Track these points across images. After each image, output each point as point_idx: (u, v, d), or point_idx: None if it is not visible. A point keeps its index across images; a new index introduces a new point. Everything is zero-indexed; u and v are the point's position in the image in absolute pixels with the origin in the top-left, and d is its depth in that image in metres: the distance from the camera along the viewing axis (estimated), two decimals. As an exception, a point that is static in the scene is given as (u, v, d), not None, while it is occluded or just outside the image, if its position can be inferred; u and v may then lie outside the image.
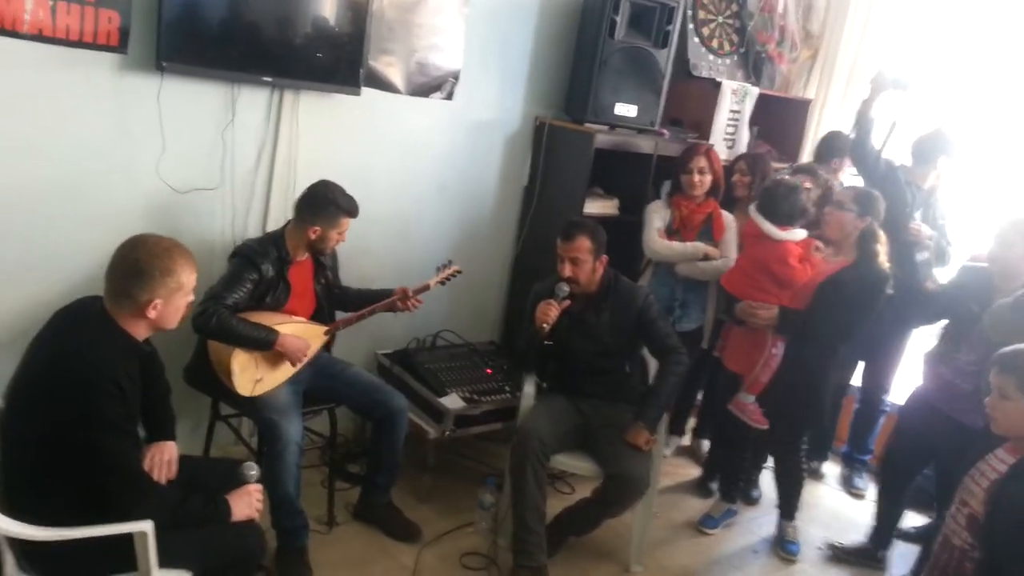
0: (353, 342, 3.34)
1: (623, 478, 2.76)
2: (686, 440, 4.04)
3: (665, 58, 3.68)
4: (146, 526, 1.86)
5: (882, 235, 2.96)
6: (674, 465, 3.80)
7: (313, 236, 2.75)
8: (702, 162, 3.38)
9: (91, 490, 1.87)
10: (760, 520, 3.49)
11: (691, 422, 4.06)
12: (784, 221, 3.06)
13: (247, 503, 2.09)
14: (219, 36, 2.76)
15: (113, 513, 1.86)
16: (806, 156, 4.29)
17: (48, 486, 1.88)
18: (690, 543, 3.28)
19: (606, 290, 2.99)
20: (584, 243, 2.89)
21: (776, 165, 4.09)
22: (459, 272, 3.11)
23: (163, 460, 2.14)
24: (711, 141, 3.90)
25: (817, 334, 2.99)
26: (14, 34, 2.47)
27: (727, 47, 4.22)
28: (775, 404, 3.14)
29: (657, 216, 3.47)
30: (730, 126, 4.03)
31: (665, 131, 3.79)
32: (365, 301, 2.98)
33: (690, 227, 3.43)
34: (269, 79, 2.91)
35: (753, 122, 4.12)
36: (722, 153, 3.96)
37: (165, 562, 1.92)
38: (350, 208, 2.77)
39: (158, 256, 1.94)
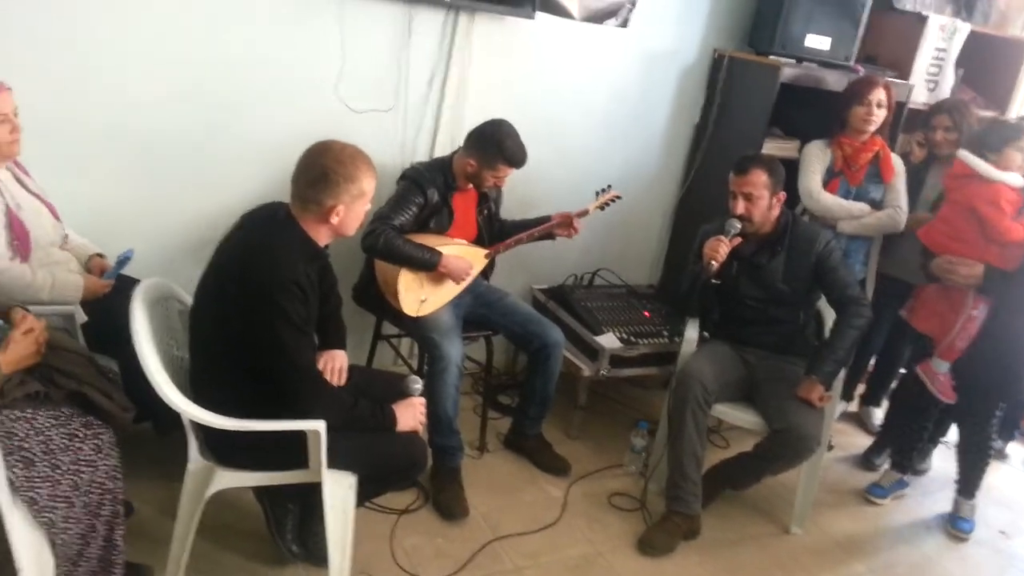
0: (511, 276, 3.32)
1: (792, 433, 2.58)
2: (853, 406, 3.77)
3: (866, -14, 3.34)
4: (319, 425, 1.90)
5: None
6: (839, 432, 3.55)
7: (469, 169, 2.72)
8: (881, 95, 3.03)
9: (269, 386, 1.92)
10: (935, 496, 3.21)
11: (860, 388, 3.78)
12: (998, 152, 2.70)
13: (411, 415, 2.11)
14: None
15: (289, 410, 1.92)
16: (1018, 106, 3.82)
17: (231, 380, 1.95)
18: (855, 511, 3.06)
19: (782, 231, 2.78)
20: (760, 177, 2.69)
21: (981, 114, 3.68)
22: (618, 197, 2.99)
23: (335, 367, 2.18)
24: (911, 82, 3.54)
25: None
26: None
27: (936, -23, 3.79)
28: (970, 374, 2.83)
29: (816, 160, 3.14)
30: (933, 67, 3.64)
31: (860, 68, 3.46)
32: (525, 230, 2.93)
33: (855, 168, 3.09)
34: (445, 0, 2.87)
35: (959, 64, 3.70)
36: (921, 96, 3.60)
37: (333, 463, 1.97)
38: (512, 157, 2.69)
39: (343, 163, 1.94)
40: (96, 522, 1.83)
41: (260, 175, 2.77)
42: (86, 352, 1.99)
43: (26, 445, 1.74)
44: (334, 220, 1.96)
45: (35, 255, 2.14)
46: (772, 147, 3.41)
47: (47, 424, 1.79)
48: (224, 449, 1.99)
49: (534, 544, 2.56)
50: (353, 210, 1.98)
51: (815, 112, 3.38)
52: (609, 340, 3.12)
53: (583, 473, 2.95)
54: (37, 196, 2.21)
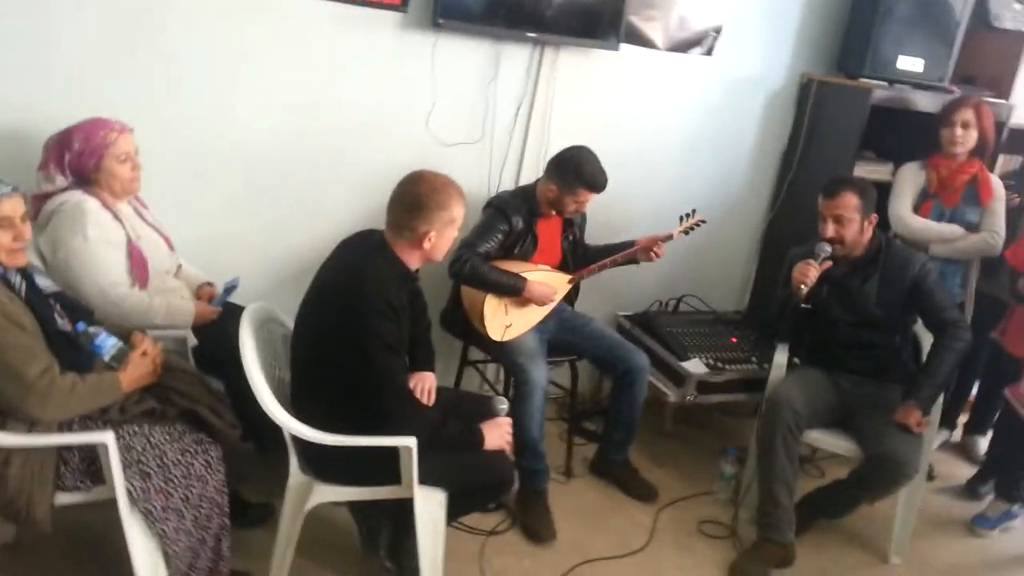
0: (595, 302, 3.34)
1: (888, 460, 2.51)
2: (957, 435, 3.61)
3: (960, 5, 3.26)
4: (410, 441, 1.97)
5: None
6: (941, 462, 3.40)
7: (551, 195, 2.77)
8: (967, 115, 2.95)
9: (364, 404, 2.01)
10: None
11: (963, 417, 3.62)
12: None
13: (499, 434, 2.16)
14: (489, -5, 2.86)
15: (382, 427, 2.00)
16: None
17: (328, 398, 2.05)
18: (959, 542, 2.94)
19: (875, 254, 2.72)
20: (850, 199, 2.64)
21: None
22: (703, 222, 2.98)
23: (425, 387, 2.26)
24: (1011, 101, 3.42)
25: None
26: (308, -6, 2.71)
27: (1036, -7, 3.66)
28: None
29: (909, 183, 3.08)
30: (1034, 82, 3.50)
31: (955, 88, 3.36)
32: (608, 255, 2.96)
33: (950, 190, 3.01)
34: (532, 35, 2.95)
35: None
36: (1025, 116, 3.46)
37: (424, 479, 2.04)
38: (592, 181, 2.73)
39: (436, 190, 2.04)
40: (205, 534, 1.95)
41: (358, 205, 2.91)
42: (197, 373, 2.13)
43: (143, 459, 1.88)
44: (426, 245, 2.05)
45: (152, 283, 2.31)
46: (864, 170, 3.35)
47: (162, 440, 1.93)
48: (322, 465, 2.09)
49: (622, 569, 2.56)
50: (444, 236, 2.07)
51: (910, 135, 3.32)
52: (695, 366, 3.11)
53: (671, 500, 2.93)
54: (154, 228, 2.40)
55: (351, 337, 1.97)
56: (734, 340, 3.36)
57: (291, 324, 2.18)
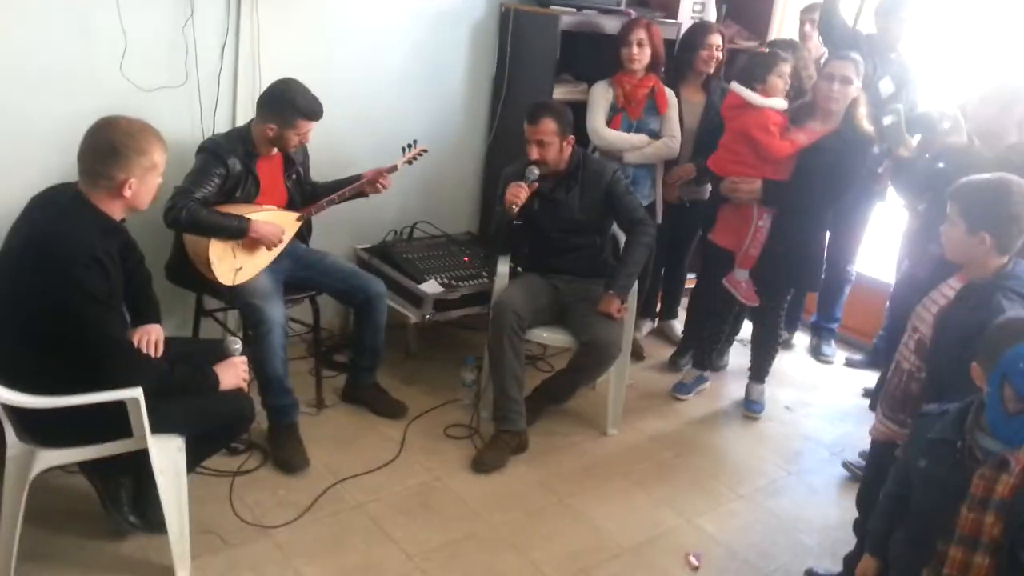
0: (332, 237, 3.41)
1: (595, 344, 2.89)
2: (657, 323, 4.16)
3: (628, -68, 3.64)
4: (136, 392, 1.97)
5: (864, 98, 3.02)
6: (648, 345, 3.94)
7: (270, 134, 2.76)
8: (640, 34, 3.35)
9: (82, 363, 1.97)
10: (731, 386, 3.66)
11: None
12: (763, 81, 3.09)
13: (233, 373, 2.21)
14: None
15: (105, 383, 1.97)
16: (775, 34, 4.28)
17: (39, 361, 1.97)
18: (664, 409, 3.45)
19: (575, 168, 3.05)
20: (549, 125, 2.93)
21: (744, 44, 4.12)
22: (425, 151, 3.14)
23: (150, 340, 2.21)
24: (679, 20, 3.89)
25: (804, 203, 3.07)
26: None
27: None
28: (765, 276, 3.23)
29: (599, 100, 3.45)
30: (697, 4, 4.00)
31: (632, 11, 3.77)
32: (336, 190, 3.02)
33: (634, 103, 3.42)
34: (220, -30, 2.89)
35: (721, 1, 4.10)
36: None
37: (157, 428, 2.04)
38: (308, 111, 2.75)
39: (132, 136, 1.99)
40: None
41: (46, 160, 2.69)
42: None
43: None
44: (127, 193, 2.00)
45: None
46: (563, 92, 3.67)
47: None
48: (42, 430, 2.01)
49: (375, 481, 2.73)
50: (145, 182, 2.03)
51: (602, 56, 3.66)
52: (431, 286, 3.31)
53: (419, 412, 3.15)
54: None
55: (56, 295, 1.91)
56: (466, 259, 3.60)
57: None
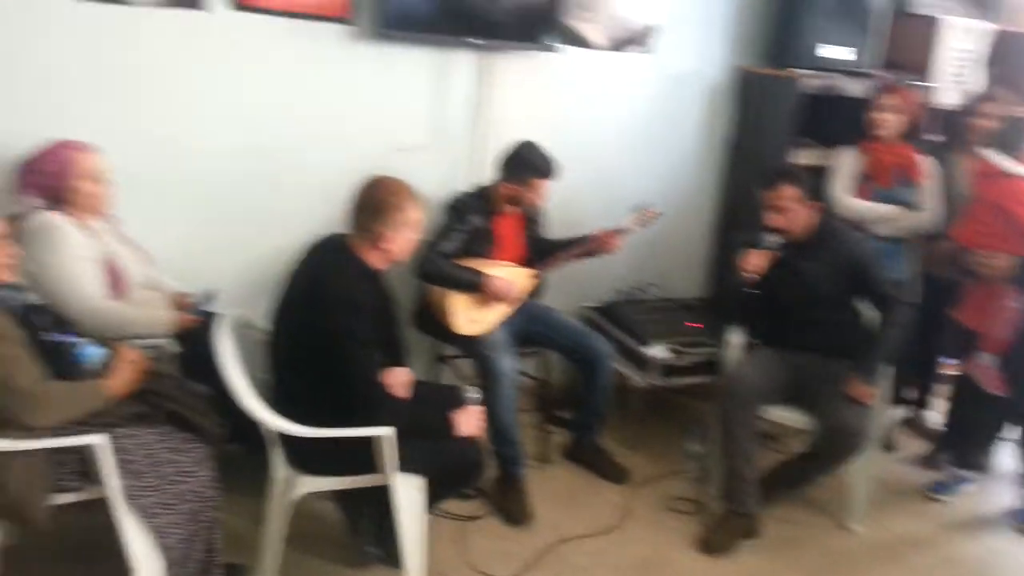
0: (560, 296, 3.45)
1: (840, 430, 2.66)
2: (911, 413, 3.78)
3: (880, -5, 3.49)
4: (387, 431, 2.08)
5: None
6: (902, 436, 3.59)
7: (509, 193, 2.90)
8: (892, 99, 3.15)
9: (340, 398, 2.12)
10: (1001, 492, 3.22)
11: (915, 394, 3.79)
12: (1018, 149, 2.81)
13: (469, 421, 2.28)
14: (430, 5, 2.99)
15: (358, 419, 2.10)
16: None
17: (307, 395, 2.16)
18: (917, 509, 3.09)
19: (818, 236, 2.88)
20: (788, 191, 2.80)
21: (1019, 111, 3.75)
22: (659, 214, 3.13)
23: (399, 382, 2.36)
24: (933, 84, 3.63)
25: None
26: (265, 11, 2.81)
27: (951, -21, 3.90)
28: (1016, 367, 2.87)
29: (845, 167, 3.25)
30: (957, 67, 3.72)
31: (882, 73, 3.57)
32: (566, 248, 3.09)
33: (884, 172, 3.19)
34: (476, 41, 3.09)
35: (993, 63, 3.78)
36: (951, 97, 3.67)
37: (400, 466, 2.15)
38: (544, 170, 2.88)
39: (393, 194, 2.18)
40: (197, 527, 2.03)
41: (320, 211, 2.96)
42: (181, 378, 2.22)
43: (134, 459, 1.96)
44: (385, 245, 2.18)
45: (131, 295, 2.39)
46: (803, 156, 3.52)
47: (152, 440, 2.01)
48: (304, 458, 2.19)
49: (598, 545, 2.68)
50: (401, 236, 2.20)
51: (845, 120, 3.50)
52: (658, 351, 3.25)
53: (642, 480, 3.06)
54: (128, 242, 2.48)
55: (323, 335, 2.09)
56: (695, 325, 3.50)
57: (266, 327, 2.27)
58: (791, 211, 2.81)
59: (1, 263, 1.90)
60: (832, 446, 2.71)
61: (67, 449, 1.92)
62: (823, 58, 3.48)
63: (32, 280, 2.23)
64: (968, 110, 3.27)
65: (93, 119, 2.57)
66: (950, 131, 3.32)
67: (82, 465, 1.93)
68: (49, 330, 2.01)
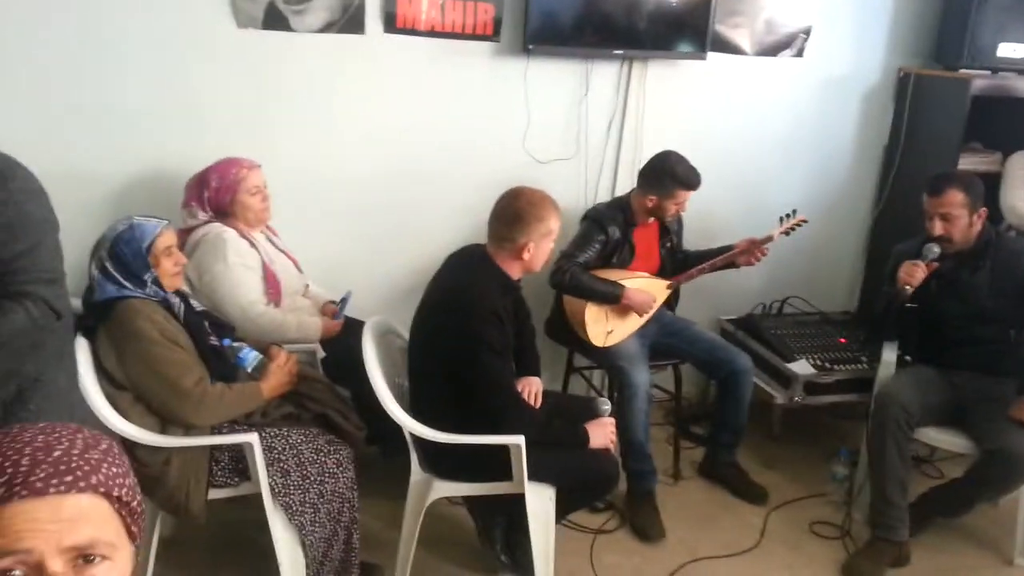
0: (697, 308, 3.39)
1: (1005, 455, 2.45)
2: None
3: (1063, -15, 3.17)
4: (519, 439, 2.11)
5: None
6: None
7: (650, 204, 2.86)
8: None
9: (475, 406, 2.17)
10: None
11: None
12: None
13: (602, 433, 2.27)
14: (575, 18, 3.00)
15: (492, 427, 2.15)
16: None
17: (443, 401, 2.21)
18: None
19: (985, 247, 2.67)
20: (956, 196, 2.60)
21: None
22: (804, 221, 2.98)
23: (531, 391, 2.40)
24: None
25: None
26: (413, 32, 2.93)
27: None
28: None
29: (1021, 170, 2.99)
30: None
31: (1064, 71, 3.25)
32: (707, 259, 3.01)
33: None
34: (619, 52, 3.08)
35: None
36: None
37: (533, 476, 2.17)
38: (687, 181, 2.82)
39: (533, 204, 2.20)
40: (337, 527, 2.14)
41: (462, 223, 3.08)
42: (327, 381, 2.35)
43: (282, 458, 2.09)
44: (525, 256, 2.20)
45: (284, 302, 2.56)
46: (970, 162, 3.28)
47: (299, 441, 2.14)
48: (440, 463, 2.26)
49: (732, 567, 2.60)
50: (541, 247, 2.21)
51: (1019, 123, 3.23)
52: (802, 367, 3.11)
53: (781, 501, 2.94)
54: (284, 252, 2.66)
55: (461, 343, 2.13)
56: (843, 340, 3.34)
57: (407, 335, 2.36)
58: (957, 218, 2.61)
59: (170, 272, 2.08)
60: (997, 472, 2.50)
61: (222, 447, 2.08)
62: (995, 56, 3.21)
63: (197, 288, 2.44)
64: None
65: (249, 138, 2.77)
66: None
67: (236, 462, 2.09)
68: (212, 334, 2.18)
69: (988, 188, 2.90)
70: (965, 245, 2.67)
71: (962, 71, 3.24)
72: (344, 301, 2.69)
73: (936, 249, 2.64)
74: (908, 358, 2.89)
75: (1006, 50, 3.21)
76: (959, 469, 2.73)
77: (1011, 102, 3.23)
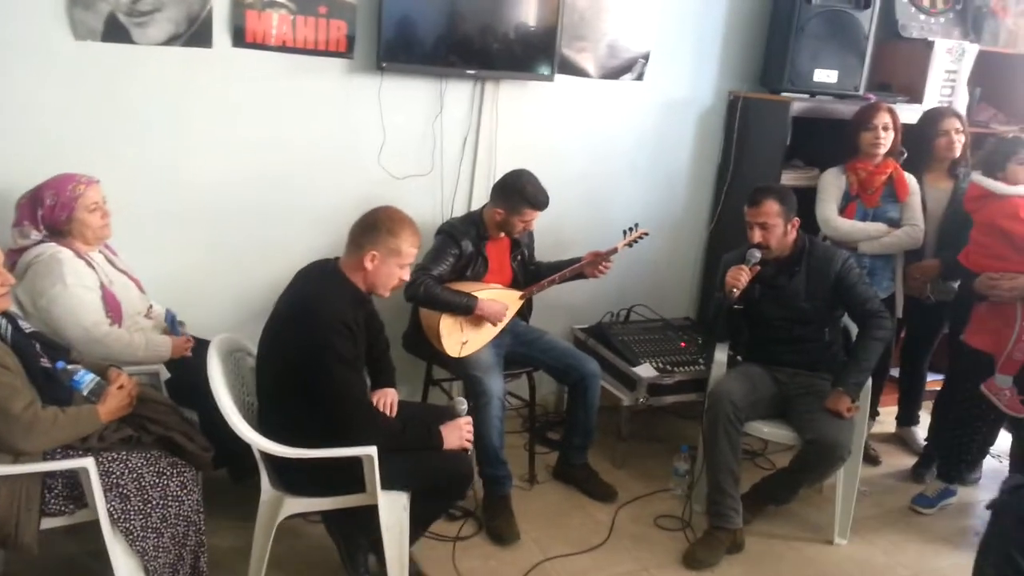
0: (550, 317, 3.53)
1: (822, 444, 2.70)
2: (892, 427, 3.81)
3: (868, 19, 3.54)
4: (371, 450, 2.14)
5: None
6: (885, 453, 3.61)
7: (498, 218, 2.97)
8: (885, 119, 3.19)
9: (326, 418, 2.18)
10: (983, 504, 3.22)
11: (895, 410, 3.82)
12: (1003, 169, 2.85)
13: (457, 434, 2.33)
14: (429, 37, 3.09)
15: (344, 439, 2.16)
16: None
17: (293, 416, 2.21)
18: (901, 523, 3.11)
19: (800, 254, 2.94)
20: (772, 207, 2.86)
21: (1001, 129, 3.80)
22: (646, 234, 3.17)
23: (386, 402, 2.44)
24: (924, 105, 3.68)
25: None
26: (263, 47, 2.92)
27: (940, 4, 3.95)
28: None
29: (831, 187, 3.30)
30: (946, 87, 3.77)
31: (871, 96, 3.62)
32: (557, 271, 3.14)
33: (870, 190, 3.23)
34: (472, 72, 3.18)
35: (974, 83, 3.84)
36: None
37: (386, 484, 2.20)
38: (535, 201, 2.94)
39: (392, 220, 2.25)
40: (183, 551, 2.10)
41: (316, 240, 3.08)
42: (170, 403, 2.29)
43: (121, 482, 2.03)
44: (368, 265, 2.22)
45: (126, 323, 2.48)
46: (792, 177, 3.59)
47: (139, 464, 2.08)
48: (291, 478, 2.25)
49: (583, 563, 2.72)
50: (387, 263, 2.24)
51: (832, 141, 3.56)
52: (646, 370, 3.30)
53: (629, 498, 3.10)
54: (125, 272, 2.57)
55: (311, 355, 2.14)
56: (683, 344, 3.56)
57: (255, 351, 2.35)
58: (774, 227, 2.86)
59: (1, 292, 1.98)
60: (815, 459, 2.75)
61: (56, 473, 1.99)
62: (812, 82, 3.54)
63: (30, 311, 2.33)
64: (927, 131, 3.30)
65: (88, 152, 2.68)
66: (917, 150, 3.35)
67: (71, 489, 2.01)
68: (44, 356, 2.09)
69: (808, 201, 3.22)
70: (782, 252, 2.93)
71: (784, 94, 3.56)
72: (172, 321, 2.64)
73: (757, 254, 2.88)
74: (739, 358, 3.14)
75: (821, 75, 3.55)
76: (788, 460, 2.98)
77: (826, 123, 3.56)
